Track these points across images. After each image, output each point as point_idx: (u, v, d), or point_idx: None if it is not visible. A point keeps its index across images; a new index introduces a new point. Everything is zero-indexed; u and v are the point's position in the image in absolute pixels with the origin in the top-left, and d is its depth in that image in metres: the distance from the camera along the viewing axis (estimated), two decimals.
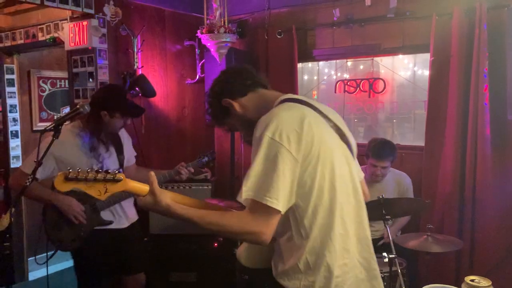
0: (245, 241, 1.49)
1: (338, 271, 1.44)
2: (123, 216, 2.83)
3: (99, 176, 1.40)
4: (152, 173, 1.47)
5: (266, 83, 1.67)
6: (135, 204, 2.93)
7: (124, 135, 2.93)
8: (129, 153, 2.98)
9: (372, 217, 2.82)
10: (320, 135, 1.42)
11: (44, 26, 3.98)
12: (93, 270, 2.74)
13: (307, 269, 1.44)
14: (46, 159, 2.53)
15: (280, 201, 1.33)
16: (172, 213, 1.45)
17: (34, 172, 2.06)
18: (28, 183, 2.04)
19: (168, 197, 1.46)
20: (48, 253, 2.72)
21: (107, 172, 1.41)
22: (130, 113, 2.74)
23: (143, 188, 1.47)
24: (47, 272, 2.75)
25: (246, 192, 1.35)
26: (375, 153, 3.11)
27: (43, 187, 2.63)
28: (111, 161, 2.77)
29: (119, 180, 1.42)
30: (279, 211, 1.35)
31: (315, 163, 1.39)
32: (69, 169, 1.41)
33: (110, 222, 2.76)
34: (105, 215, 2.75)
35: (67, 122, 2.33)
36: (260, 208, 1.34)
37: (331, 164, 1.43)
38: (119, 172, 1.43)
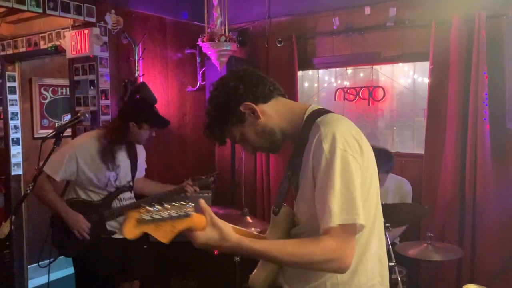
0: (326, 270, 1.30)
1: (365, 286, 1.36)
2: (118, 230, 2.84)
3: (173, 213, 1.15)
4: (203, 201, 1.25)
5: (284, 92, 1.52)
6: None
7: (139, 148, 2.95)
8: (141, 166, 3.00)
9: None
10: (369, 147, 1.36)
11: (46, 34, 4.01)
12: (94, 277, 2.75)
13: (335, 287, 1.34)
14: (69, 163, 2.58)
15: (361, 214, 1.23)
16: (243, 249, 1.25)
17: (35, 180, 2.07)
18: (28, 191, 2.05)
19: (232, 230, 1.26)
20: (50, 260, 2.73)
21: (178, 207, 1.17)
22: (158, 124, 2.80)
23: (201, 219, 1.22)
24: (48, 278, 2.75)
25: (336, 216, 1.21)
26: None
27: (57, 196, 2.65)
28: (125, 173, 2.80)
29: (188, 216, 1.18)
30: (361, 226, 1.25)
31: (370, 178, 1.33)
32: (141, 208, 1.15)
33: (113, 233, 2.78)
34: (110, 225, 2.77)
35: (93, 134, 2.37)
36: (343, 230, 1.22)
37: (376, 180, 1.38)
38: (187, 205, 1.19)
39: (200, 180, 3.05)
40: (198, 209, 1.24)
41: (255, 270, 1.52)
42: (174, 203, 1.18)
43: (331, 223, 1.21)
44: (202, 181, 3.06)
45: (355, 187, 1.24)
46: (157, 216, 1.13)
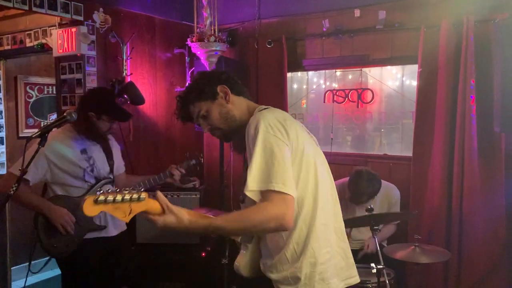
0: (270, 230, 1.50)
1: (321, 258, 1.55)
2: (112, 224, 2.79)
3: (126, 196, 1.35)
4: (159, 192, 1.44)
5: (250, 98, 1.79)
6: None
7: (113, 143, 2.91)
8: (118, 161, 2.96)
9: (360, 224, 2.86)
10: (301, 132, 1.58)
11: (32, 32, 3.95)
12: (81, 279, 2.70)
13: (294, 258, 1.54)
14: (38, 161, 2.50)
15: (286, 185, 1.42)
16: (196, 227, 1.46)
17: (19, 180, 2.02)
18: (12, 192, 2.00)
19: (185, 212, 1.45)
20: (40, 261, 2.67)
21: (132, 191, 1.37)
22: (117, 116, 2.72)
23: (158, 206, 1.42)
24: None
25: (252, 183, 1.42)
26: (352, 199, 3.11)
27: (34, 194, 2.59)
28: (102, 165, 2.75)
29: (142, 199, 1.37)
30: (291, 195, 1.42)
31: (300, 157, 1.52)
32: (99, 191, 1.35)
33: (104, 227, 2.73)
34: (98, 220, 2.72)
35: (54, 129, 2.31)
36: (272, 195, 1.41)
37: (313, 159, 1.57)
38: (139, 190, 1.38)
39: (182, 163, 3.01)
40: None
41: (238, 256, 1.77)
42: (127, 189, 1.37)
43: (248, 187, 1.42)
44: (185, 164, 3.02)
45: (278, 160, 1.43)
46: (110, 198, 1.33)
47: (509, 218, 2.94)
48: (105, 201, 1.32)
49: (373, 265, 2.54)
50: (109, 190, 1.35)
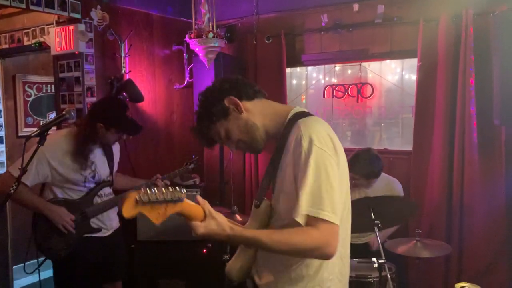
0: (311, 257, 1.41)
1: (325, 286, 1.45)
2: (107, 224, 2.80)
3: (168, 196, 1.24)
4: (199, 197, 1.36)
5: (267, 96, 1.61)
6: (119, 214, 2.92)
7: (114, 145, 2.90)
8: (116, 161, 2.95)
9: (362, 228, 2.84)
10: (341, 149, 1.45)
11: (29, 30, 3.93)
12: (74, 278, 2.70)
13: (298, 280, 1.44)
14: (41, 166, 2.50)
15: (336, 214, 1.33)
16: (238, 235, 1.36)
17: (19, 180, 2.02)
18: (12, 191, 2.00)
19: (227, 220, 1.37)
20: (38, 261, 2.67)
21: (174, 191, 1.26)
22: (127, 130, 2.71)
23: (197, 211, 1.33)
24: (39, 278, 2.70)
25: (303, 207, 1.32)
26: (349, 163, 3.08)
27: (33, 194, 2.58)
28: (102, 169, 2.74)
29: (180, 201, 1.27)
30: (337, 226, 1.33)
31: (340, 176, 1.41)
32: (140, 190, 1.23)
33: (99, 230, 2.73)
34: (94, 222, 2.72)
35: (54, 128, 2.30)
36: (320, 222, 1.31)
37: (346, 180, 1.47)
38: (180, 191, 1.27)
39: (180, 169, 3.01)
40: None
41: (231, 259, 1.64)
42: (169, 188, 1.26)
43: (302, 212, 1.31)
44: (183, 170, 3.02)
45: (330, 184, 1.33)
46: (153, 198, 1.21)
47: (509, 210, 2.95)
48: (148, 202, 1.22)
49: (374, 259, 2.54)
50: (156, 189, 1.24)
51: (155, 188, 1.24)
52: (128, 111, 2.73)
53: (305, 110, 1.54)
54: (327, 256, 1.35)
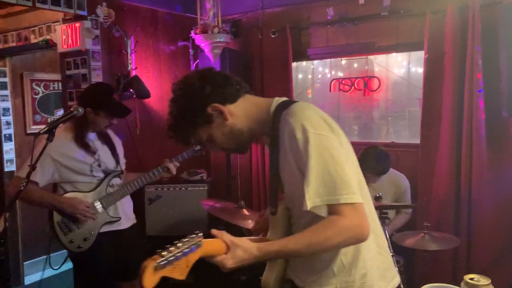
0: (348, 245, 1.33)
1: (370, 266, 1.40)
2: (124, 216, 2.81)
3: (185, 248, 1.17)
4: (214, 230, 1.30)
5: (249, 89, 1.52)
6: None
7: (113, 137, 2.92)
8: (121, 156, 2.97)
9: None
10: (338, 127, 1.39)
11: (36, 28, 3.96)
12: (96, 273, 2.73)
13: (342, 271, 1.38)
14: (45, 163, 2.52)
15: (355, 193, 1.26)
16: (266, 253, 1.30)
17: (28, 176, 2.04)
18: (22, 187, 2.02)
19: (250, 241, 1.31)
20: (54, 255, 2.70)
21: (188, 239, 1.19)
22: (114, 112, 2.68)
23: (218, 245, 1.27)
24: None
25: (311, 200, 1.25)
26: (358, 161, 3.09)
27: (43, 191, 2.61)
28: (107, 158, 2.76)
29: (199, 246, 1.20)
30: (360, 203, 1.26)
31: (346, 152, 1.36)
32: (158, 256, 1.15)
33: (119, 218, 2.76)
34: (111, 211, 2.75)
35: (60, 125, 2.32)
36: (342, 207, 1.25)
37: (354, 158, 1.41)
38: (196, 235, 1.21)
39: (187, 151, 3.00)
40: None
41: (264, 272, 1.54)
42: (184, 240, 1.19)
43: (308, 205, 1.24)
44: (190, 151, 3.02)
45: (339, 165, 1.26)
46: (171, 258, 1.13)
47: None
48: (167, 264, 1.13)
49: None
50: (166, 252, 1.16)
51: (170, 248, 1.16)
52: (113, 94, 2.69)
53: (286, 98, 1.47)
54: (363, 239, 1.28)
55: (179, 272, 1.16)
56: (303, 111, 1.34)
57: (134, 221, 2.93)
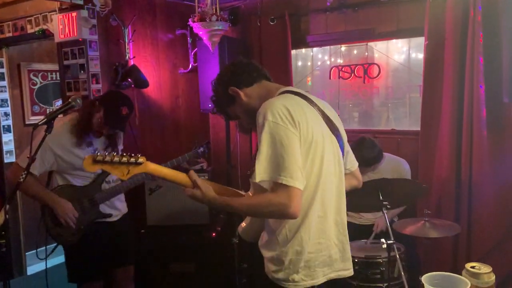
0: (274, 216, 1.62)
1: (311, 247, 1.64)
2: (116, 209, 2.83)
3: (124, 159, 1.55)
4: (191, 171, 1.67)
5: (269, 76, 1.84)
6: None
7: (118, 133, 2.90)
8: (120, 147, 2.96)
9: (370, 207, 2.84)
10: (312, 121, 1.60)
11: (32, 18, 3.93)
12: (86, 263, 2.74)
13: (283, 242, 1.64)
14: (45, 154, 2.52)
15: (293, 178, 1.47)
16: (215, 203, 1.64)
17: (27, 168, 2.04)
18: (22, 179, 2.02)
19: (211, 190, 1.64)
20: (48, 247, 2.72)
21: (130, 155, 1.57)
22: (109, 118, 2.61)
23: (180, 176, 1.66)
24: (46, 266, 2.74)
25: (259, 175, 1.50)
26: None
27: (40, 185, 2.61)
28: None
29: (140, 163, 1.57)
30: (297, 188, 1.48)
31: (308, 147, 1.57)
32: (97, 152, 1.58)
33: (110, 215, 2.76)
34: (103, 208, 2.75)
35: (60, 116, 2.31)
36: (278, 187, 1.49)
37: (321, 151, 1.62)
38: (139, 156, 1.58)
39: (190, 152, 3.00)
40: None
41: (242, 223, 1.93)
42: (125, 154, 1.59)
43: (256, 178, 1.50)
44: (192, 153, 3.01)
45: (286, 152, 1.48)
46: (108, 159, 1.55)
47: None
48: (103, 162, 1.54)
49: (383, 240, 2.55)
50: (113, 153, 1.58)
51: (113, 153, 1.58)
52: (124, 107, 2.64)
53: (291, 88, 1.76)
54: (288, 216, 1.51)
55: (119, 173, 1.59)
56: (275, 101, 1.60)
57: (125, 211, 2.94)
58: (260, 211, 1.59)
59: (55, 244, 2.75)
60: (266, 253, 1.71)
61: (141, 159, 1.57)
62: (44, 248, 2.74)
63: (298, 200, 1.49)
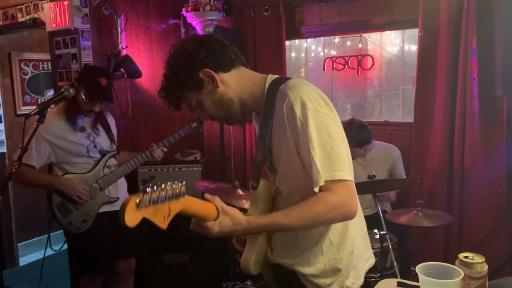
0: (336, 221, 1.36)
1: (356, 245, 1.45)
2: (121, 198, 2.82)
3: (169, 191, 1.11)
4: (208, 194, 1.30)
5: (246, 62, 1.52)
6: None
7: (108, 117, 2.90)
8: (114, 132, 2.95)
9: (362, 191, 2.87)
10: (332, 106, 1.39)
11: (23, 6, 3.87)
12: (92, 253, 2.74)
13: (330, 249, 1.41)
14: (40, 146, 2.52)
15: (348, 171, 1.29)
16: (255, 226, 1.30)
17: (20, 158, 2.02)
18: (14, 169, 2.00)
19: (239, 212, 1.30)
20: (42, 238, 2.71)
21: (172, 184, 1.13)
22: (91, 93, 2.58)
23: (209, 209, 1.25)
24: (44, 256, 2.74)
25: (324, 175, 1.26)
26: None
27: (40, 172, 2.61)
28: (102, 139, 2.76)
29: (182, 196, 1.14)
30: (351, 181, 1.29)
31: (341, 131, 1.38)
32: (140, 194, 1.09)
33: (117, 198, 2.77)
34: (109, 192, 2.75)
35: (53, 107, 2.29)
36: (335, 183, 1.26)
37: (345, 137, 1.41)
38: (178, 183, 1.15)
39: (184, 128, 3.00)
40: (190, 190, 1.22)
41: (244, 253, 1.54)
42: (167, 183, 1.13)
43: (320, 182, 1.26)
44: (186, 129, 3.02)
45: (335, 143, 1.28)
46: (154, 198, 1.09)
47: (509, 180, 2.96)
48: (149, 203, 1.09)
49: (376, 231, 2.57)
50: (149, 190, 1.10)
51: (154, 187, 1.11)
52: (102, 77, 2.60)
53: (279, 76, 1.48)
54: (350, 216, 1.30)
55: (160, 219, 1.12)
56: (301, 86, 1.34)
57: None
58: (322, 219, 1.30)
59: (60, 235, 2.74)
60: (309, 269, 1.42)
61: (183, 188, 1.14)
62: (37, 238, 2.73)
63: (356, 194, 1.31)
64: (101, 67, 2.67)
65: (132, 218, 1.08)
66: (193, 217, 1.26)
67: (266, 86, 1.43)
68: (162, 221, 1.13)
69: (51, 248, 2.77)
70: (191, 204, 1.20)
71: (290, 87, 1.35)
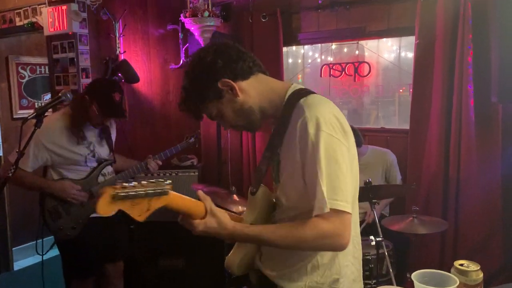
0: (322, 249, 1.33)
1: (343, 273, 1.40)
2: None
3: (149, 190, 1.13)
4: (201, 192, 1.32)
5: (265, 69, 1.49)
6: None
7: (111, 126, 2.90)
8: (113, 138, 2.95)
9: (358, 199, 2.88)
10: (349, 128, 1.35)
11: (21, 10, 3.88)
12: (81, 260, 2.73)
13: (315, 271, 1.38)
14: (38, 151, 2.50)
15: (348, 202, 1.25)
16: (240, 234, 1.30)
17: (16, 162, 2.02)
18: (10, 174, 2.00)
19: (229, 217, 1.30)
20: (39, 242, 2.70)
21: (156, 182, 1.16)
22: (105, 108, 2.59)
23: (197, 207, 1.26)
24: (42, 261, 2.72)
25: (328, 202, 1.23)
26: None
27: (35, 176, 2.60)
28: (101, 148, 2.75)
29: (164, 193, 1.16)
30: (349, 213, 1.25)
31: (351, 160, 1.34)
32: (118, 184, 1.12)
33: None
34: None
35: (50, 110, 2.29)
36: (332, 212, 1.23)
37: (356, 162, 1.39)
38: (164, 181, 1.18)
39: (181, 143, 3.02)
40: (180, 190, 1.25)
41: (230, 253, 1.54)
42: (151, 180, 1.17)
43: (325, 210, 1.22)
44: (184, 144, 3.03)
45: (341, 171, 1.25)
46: (132, 193, 1.10)
47: (504, 188, 2.97)
48: (126, 197, 1.10)
49: (372, 237, 2.58)
50: (129, 184, 1.13)
51: (133, 182, 1.13)
52: (116, 93, 2.62)
53: (302, 86, 1.46)
54: (340, 248, 1.27)
55: (137, 212, 1.13)
56: (320, 106, 1.31)
57: None
58: (308, 245, 1.27)
59: (47, 239, 2.73)
60: (289, 285, 1.41)
61: (167, 186, 1.17)
62: (33, 243, 2.72)
63: (350, 228, 1.26)
64: (114, 80, 2.65)
65: (106, 208, 1.10)
66: (179, 213, 1.28)
67: (286, 96, 1.40)
68: (139, 215, 1.14)
69: (37, 252, 2.74)
70: (176, 202, 1.21)
71: (309, 104, 1.32)
